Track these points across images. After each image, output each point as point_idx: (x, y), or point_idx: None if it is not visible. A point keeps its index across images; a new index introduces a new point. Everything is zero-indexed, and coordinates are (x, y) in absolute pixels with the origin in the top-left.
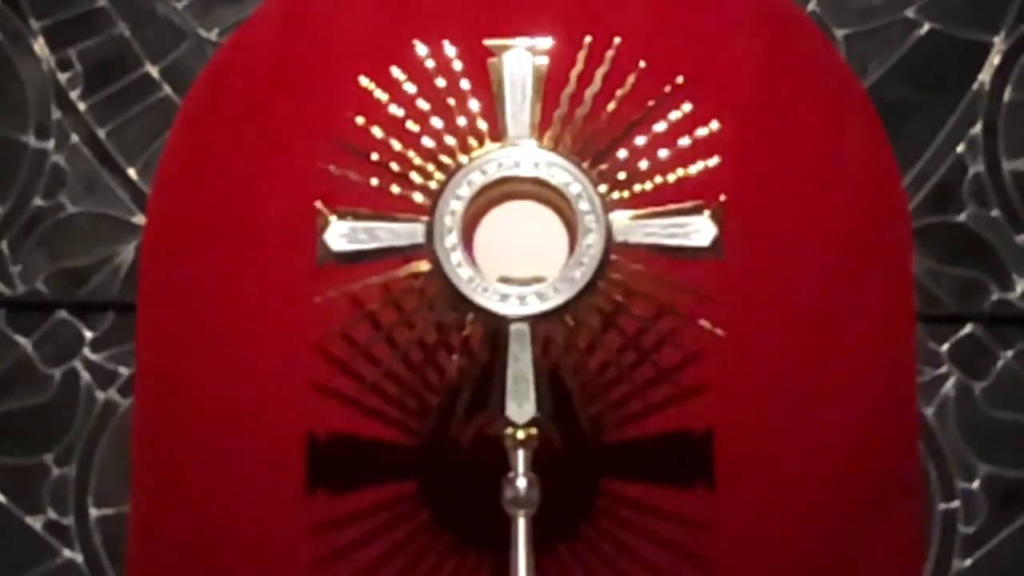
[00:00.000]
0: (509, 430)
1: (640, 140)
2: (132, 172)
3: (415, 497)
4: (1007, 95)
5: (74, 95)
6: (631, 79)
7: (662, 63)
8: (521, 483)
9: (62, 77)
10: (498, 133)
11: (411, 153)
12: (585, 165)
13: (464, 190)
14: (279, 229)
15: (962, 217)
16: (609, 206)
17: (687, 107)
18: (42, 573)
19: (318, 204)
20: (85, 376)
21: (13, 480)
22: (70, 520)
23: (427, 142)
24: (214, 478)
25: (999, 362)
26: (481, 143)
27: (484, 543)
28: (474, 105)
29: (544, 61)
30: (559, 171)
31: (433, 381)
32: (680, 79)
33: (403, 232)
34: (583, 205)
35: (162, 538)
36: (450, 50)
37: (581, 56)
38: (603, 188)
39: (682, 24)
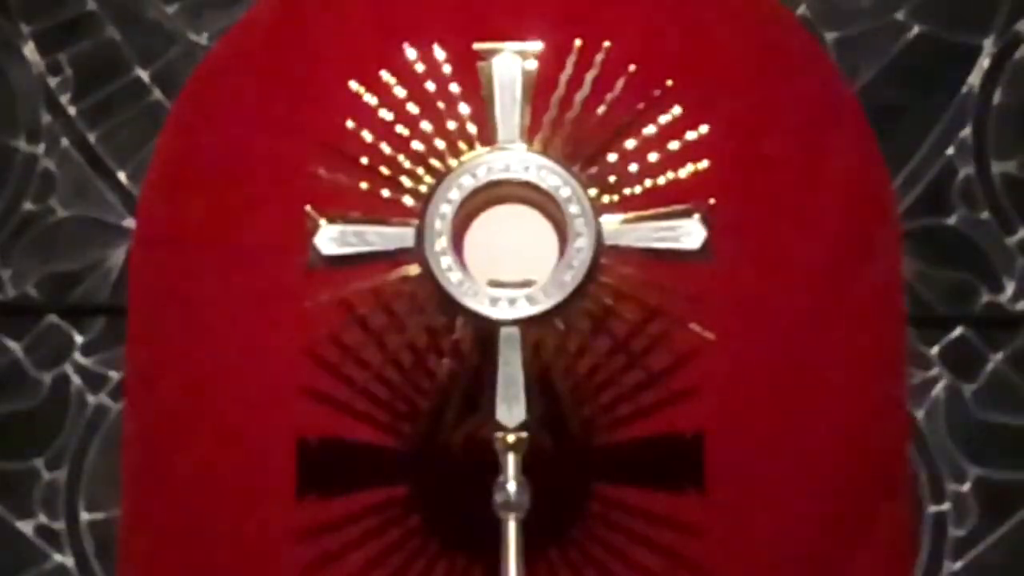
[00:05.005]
0: (499, 434)
1: (630, 144)
2: (122, 176)
3: (405, 501)
4: (997, 98)
5: (64, 99)
6: (620, 83)
7: (652, 67)
8: (511, 487)
9: (52, 81)
10: (488, 137)
11: (401, 157)
12: (575, 169)
13: (454, 194)
14: (269, 233)
15: (952, 220)
16: (599, 210)
17: (677, 110)
18: None
19: (308, 208)
20: (76, 380)
21: (3, 484)
22: (61, 524)
23: (417, 146)
24: (205, 482)
25: (989, 364)
26: (471, 147)
27: (474, 547)
28: (464, 109)
29: (534, 65)
30: (549, 175)
31: (423, 385)
32: (670, 83)
33: (393, 236)
34: (573, 208)
35: (153, 542)
36: (440, 54)
37: (571, 60)
38: (593, 192)
39: (672, 28)
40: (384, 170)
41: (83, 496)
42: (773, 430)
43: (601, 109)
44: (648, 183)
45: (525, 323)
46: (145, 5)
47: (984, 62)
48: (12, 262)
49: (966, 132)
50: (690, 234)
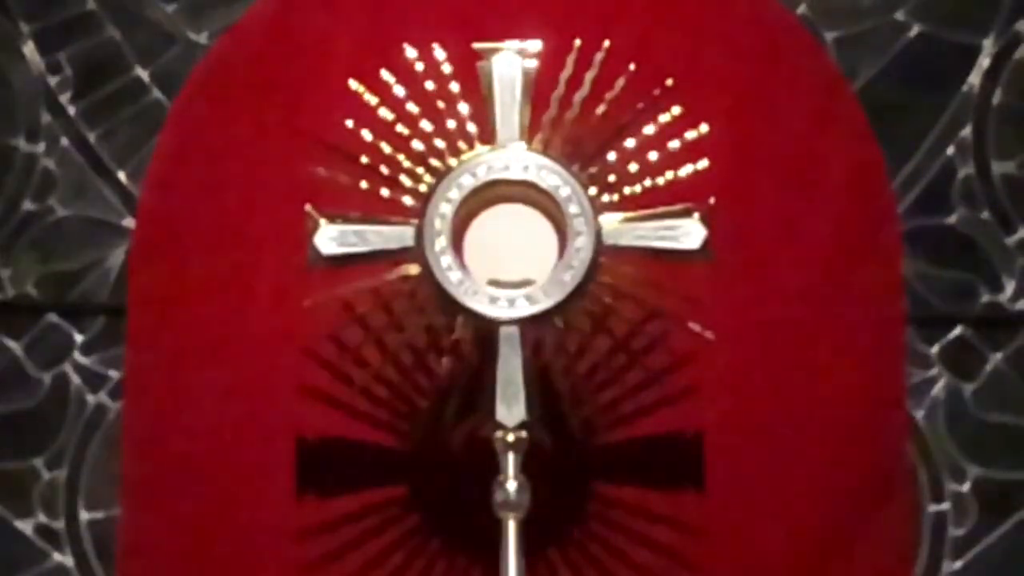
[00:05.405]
0: (499, 433)
1: (630, 143)
2: (122, 175)
3: (405, 501)
4: (996, 97)
5: (64, 98)
6: (620, 82)
7: (651, 66)
8: (511, 486)
9: (52, 80)
10: (488, 136)
11: (401, 156)
12: (575, 168)
13: (454, 193)
14: (269, 232)
15: (952, 219)
16: (599, 209)
17: (676, 110)
18: None
19: (308, 207)
20: (75, 380)
21: (3, 484)
22: (60, 524)
23: (417, 145)
24: (204, 482)
25: (989, 364)
26: (471, 146)
27: (474, 547)
28: (464, 108)
29: (533, 64)
30: (549, 174)
31: (423, 384)
32: (669, 82)
33: (393, 235)
34: (572, 208)
35: (152, 541)
36: (440, 53)
37: (570, 59)
38: (593, 191)
39: (671, 27)
40: (384, 170)
41: (83, 495)
42: (772, 429)
43: (601, 108)
44: (648, 183)
45: (525, 322)
46: (145, 5)
47: (984, 62)
48: (12, 261)
49: (966, 132)
50: (690, 234)
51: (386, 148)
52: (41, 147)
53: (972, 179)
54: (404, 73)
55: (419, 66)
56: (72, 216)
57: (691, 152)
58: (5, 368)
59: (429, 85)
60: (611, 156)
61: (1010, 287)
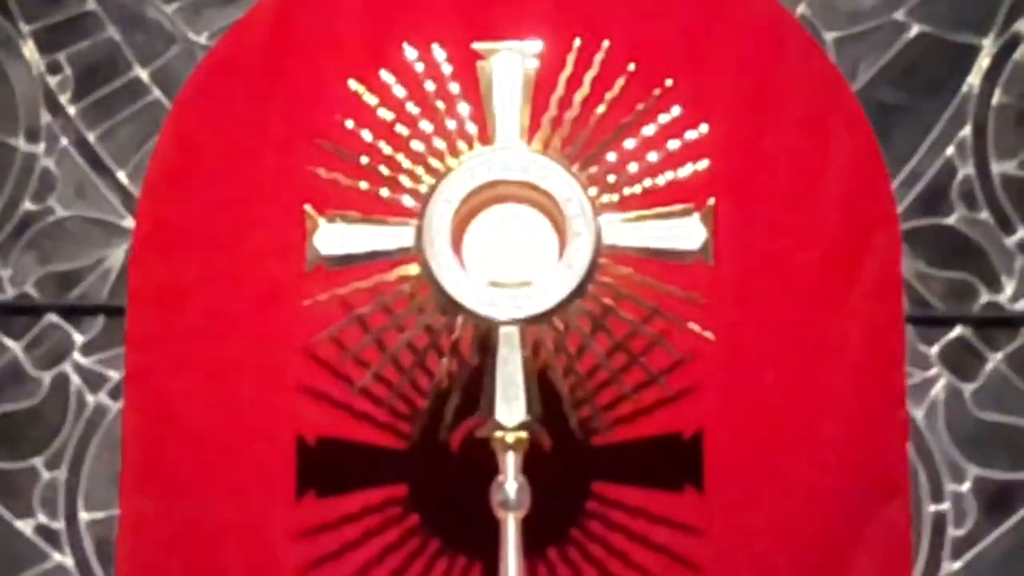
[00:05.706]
0: (499, 433)
1: (629, 143)
2: (122, 176)
3: (405, 500)
4: (996, 98)
5: (64, 99)
6: (620, 82)
7: (651, 66)
8: (511, 486)
9: (52, 81)
10: (487, 136)
11: (400, 156)
12: (574, 168)
13: (453, 193)
14: (268, 233)
15: (951, 219)
16: (598, 209)
17: (676, 110)
18: None
19: (307, 208)
20: (75, 380)
21: (3, 484)
22: (60, 524)
23: (416, 145)
24: (203, 482)
25: (988, 364)
26: (470, 146)
27: (474, 546)
28: (463, 108)
29: (533, 64)
30: (548, 174)
31: (423, 384)
32: (669, 82)
33: (392, 235)
34: (572, 208)
35: (152, 541)
36: (439, 54)
37: (570, 59)
38: (592, 191)
39: (671, 28)
40: (384, 170)
41: (82, 495)
42: (772, 429)
43: (601, 109)
44: (648, 183)
45: (524, 323)
46: (145, 5)
47: (984, 62)
48: (12, 261)
49: (966, 132)
50: (690, 234)
51: (386, 148)
52: (41, 147)
53: (971, 179)
54: (404, 73)
55: (419, 66)
56: (72, 216)
57: (691, 152)
58: (5, 368)
59: (429, 85)
60: (611, 156)
61: (1010, 287)
